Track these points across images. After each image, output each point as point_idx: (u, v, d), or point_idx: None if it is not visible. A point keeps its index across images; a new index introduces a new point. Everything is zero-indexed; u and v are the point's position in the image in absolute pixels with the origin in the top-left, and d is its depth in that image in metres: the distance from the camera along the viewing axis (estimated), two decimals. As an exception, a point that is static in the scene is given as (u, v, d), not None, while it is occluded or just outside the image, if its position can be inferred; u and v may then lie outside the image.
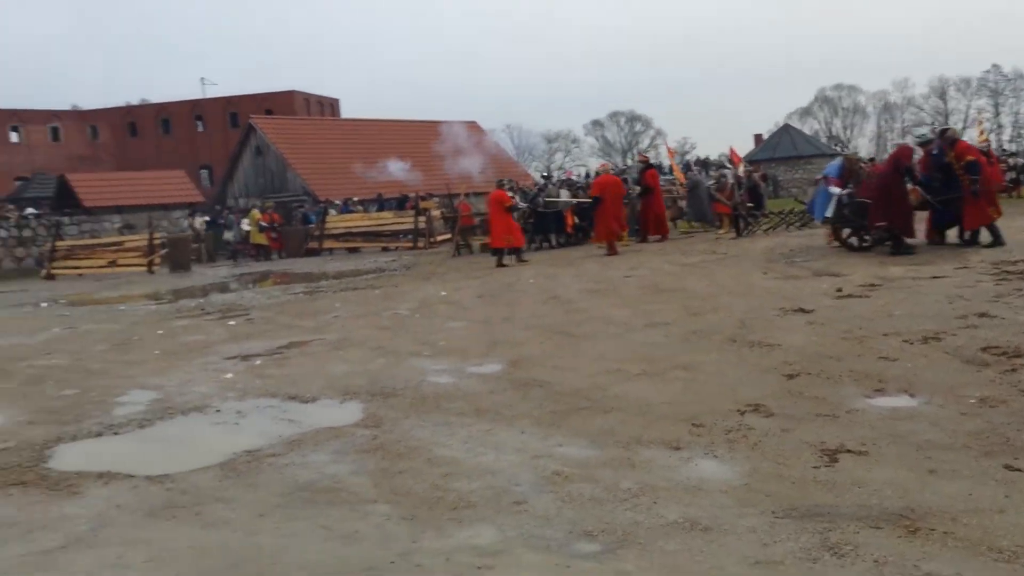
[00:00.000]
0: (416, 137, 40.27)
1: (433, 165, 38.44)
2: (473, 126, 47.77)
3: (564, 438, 4.62)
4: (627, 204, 19.16)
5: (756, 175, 22.47)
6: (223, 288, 16.87)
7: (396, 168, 34.72)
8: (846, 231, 13.22)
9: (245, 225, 26.64)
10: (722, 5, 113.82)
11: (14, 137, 54.65)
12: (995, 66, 75.83)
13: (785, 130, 53.74)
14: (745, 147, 49.28)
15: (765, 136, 58.05)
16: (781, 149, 47.64)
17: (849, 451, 4.05)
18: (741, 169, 21.62)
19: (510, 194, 17.75)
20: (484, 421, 5.10)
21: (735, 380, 5.60)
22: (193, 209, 29.10)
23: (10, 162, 53.50)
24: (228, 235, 27.29)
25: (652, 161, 20.97)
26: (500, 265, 15.66)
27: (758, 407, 4.92)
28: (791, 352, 6.26)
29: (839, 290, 9.01)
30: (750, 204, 20.07)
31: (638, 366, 6.25)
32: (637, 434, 4.57)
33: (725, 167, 23.30)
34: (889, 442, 4.14)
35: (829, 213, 13.20)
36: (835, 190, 13.15)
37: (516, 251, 16.42)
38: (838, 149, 51.86)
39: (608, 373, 6.10)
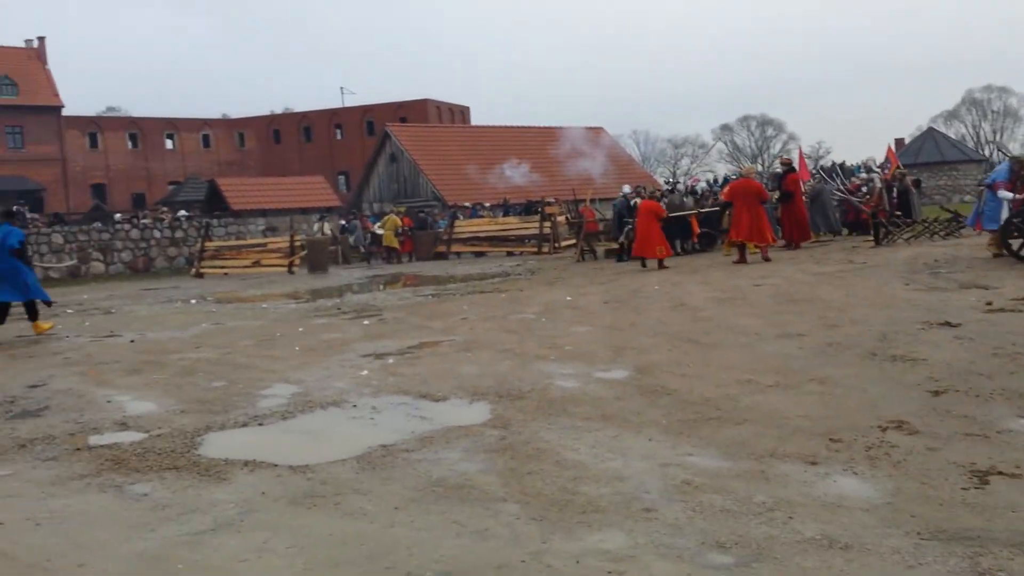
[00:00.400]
0: (542, 143, 40.56)
1: (558, 170, 38.62)
2: (599, 131, 47.68)
3: (694, 447, 4.56)
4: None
5: (908, 180, 21.32)
6: (358, 289, 17.50)
7: (521, 173, 35.10)
8: (1018, 241, 12.13)
9: (377, 229, 27.54)
10: (860, 4, 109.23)
11: (169, 144, 58.60)
12: None
13: (929, 134, 51.00)
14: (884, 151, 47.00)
15: (907, 141, 55.26)
16: (924, 154, 45.22)
17: (1001, 473, 3.82)
18: (894, 172, 20.67)
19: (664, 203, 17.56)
20: (611, 427, 5.09)
21: (876, 395, 5.37)
22: (322, 214, 30.32)
23: (165, 167, 57.43)
24: (351, 239, 28.31)
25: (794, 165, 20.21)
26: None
27: (901, 424, 4.70)
28: (936, 368, 5.95)
29: (989, 304, 8.49)
30: (898, 212, 19.19)
31: (771, 377, 6.09)
32: (771, 447, 4.46)
33: (873, 171, 22.20)
34: (1047, 466, 3.88)
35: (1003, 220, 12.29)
36: (1006, 195, 12.28)
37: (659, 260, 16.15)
38: (1003, 152, 48.37)
39: (739, 383, 5.97)
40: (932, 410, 4.95)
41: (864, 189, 20.67)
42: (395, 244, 26.75)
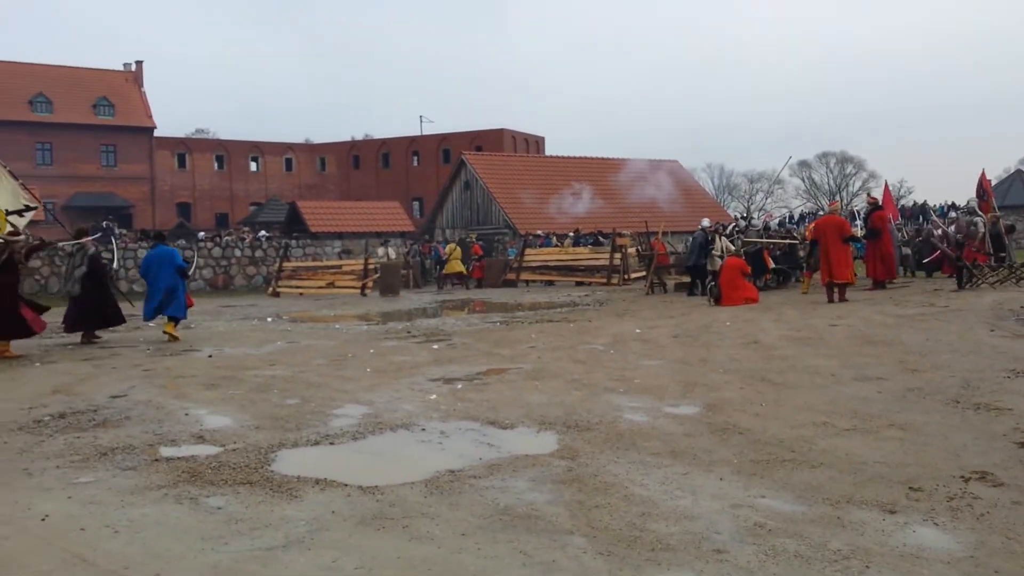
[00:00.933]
0: (615, 174, 40.54)
1: (629, 202, 38.50)
2: (674, 165, 47.44)
3: (766, 489, 4.46)
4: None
5: (1002, 223, 20.65)
6: (426, 313, 17.70)
7: (593, 204, 35.10)
8: None
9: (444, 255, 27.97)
10: (945, 42, 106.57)
11: (253, 166, 60.54)
12: None
13: (1017, 176, 49.27)
14: (969, 192, 45.56)
15: (994, 182, 53.47)
16: (1012, 196, 43.67)
17: (1095, 534, 3.64)
18: (988, 213, 20.01)
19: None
20: (681, 464, 5.02)
21: (958, 444, 5.18)
22: (386, 238, 30.89)
23: (248, 188, 59.31)
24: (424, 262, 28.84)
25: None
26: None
27: (985, 475, 4.52)
28: (1023, 418, 5.72)
29: (1082, 354, 8.12)
30: (1002, 255, 18.65)
31: (847, 421, 5.92)
32: (847, 493, 4.33)
33: (977, 214, 21.49)
34: None
35: None
36: None
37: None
38: None
39: (814, 425, 5.83)
40: (1018, 462, 4.75)
41: (966, 232, 19.99)
42: (461, 269, 27.09)
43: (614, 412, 6.53)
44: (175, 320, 12.88)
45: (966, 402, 6.33)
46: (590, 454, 5.29)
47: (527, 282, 26.78)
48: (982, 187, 20.62)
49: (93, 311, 12.59)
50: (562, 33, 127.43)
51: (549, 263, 26.96)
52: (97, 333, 12.79)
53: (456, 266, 27.15)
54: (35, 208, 14.38)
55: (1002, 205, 41.86)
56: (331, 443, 5.91)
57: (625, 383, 7.80)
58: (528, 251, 27.79)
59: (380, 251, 28.51)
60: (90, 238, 13.23)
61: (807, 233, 17.70)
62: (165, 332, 12.69)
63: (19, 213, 13.40)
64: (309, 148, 63.35)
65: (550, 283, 26.25)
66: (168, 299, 12.76)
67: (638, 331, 12.04)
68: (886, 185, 25.01)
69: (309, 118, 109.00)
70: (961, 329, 10.51)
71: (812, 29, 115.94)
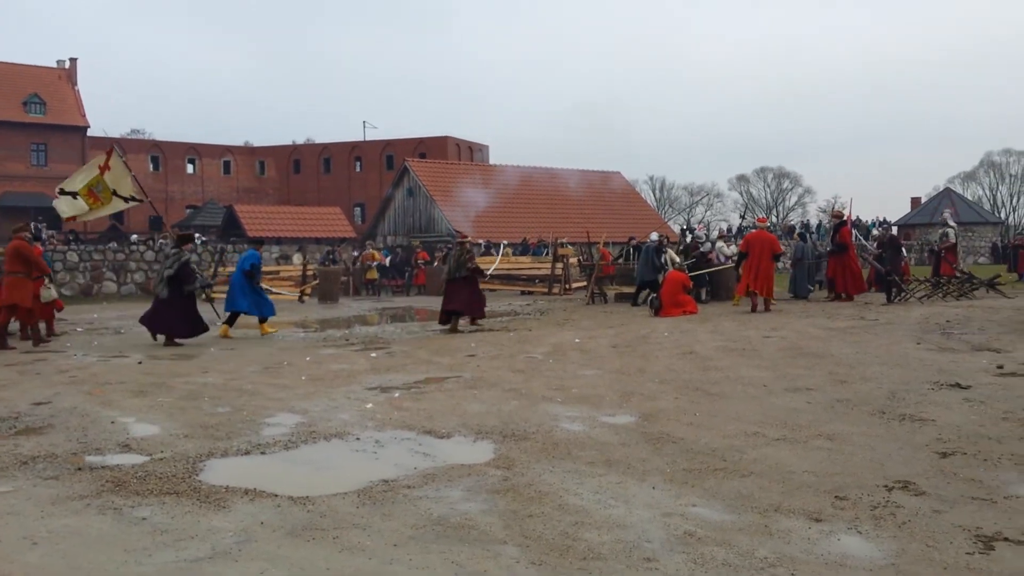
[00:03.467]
0: (559, 184, 40.82)
1: (572, 212, 38.81)
2: (616, 176, 47.99)
3: (697, 498, 4.51)
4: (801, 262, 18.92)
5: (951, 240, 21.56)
6: (365, 321, 17.53)
7: (536, 213, 35.27)
8: None
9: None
10: (882, 65, 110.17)
11: (190, 169, 59.29)
12: None
13: (946, 194, 51.16)
14: (901, 210, 47.10)
15: (923, 200, 55.31)
16: (940, 214, 45.29)
17: (1007, 539, 3.77)
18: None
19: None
20: (615, 473, 5.05)
21: (883, 454, 5.32)
22: (300, 244, 30.62)
23: (184, 191, 58.07)
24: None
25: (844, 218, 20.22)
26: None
27: (907, 484, 4.66)
28: (945, 429, 5.90)
29: (1000, 367, 8.43)
30: (964, 271, 19.49)
31: (778, 431, 6.04)
32: (776, 501, 4.41)
33: (949, 224, 22.24)
34: (1055, 535, 3.82)
35: None
36: None
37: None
38: None
39: (745, 435, 5.93)
40: (939, 472, 4.90)
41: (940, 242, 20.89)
42: (373, 277, 27.29)
43: (551, 421, 6.55)
44: (263, 319, 14.09)
45: (891, 413, 6.51)
46: (526, 463, 5.30)
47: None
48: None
49: (179, 320, 12.86)
50: (508, 43, 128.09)
51: (491, 272, 26.97)
52: (178, 340, 12.82)
53: (371, 273, 27.21)
54: (141, 200, 15.97)
55: (932, 222, 43.43)
56: (262, 452, 5.80)
57: (563, 392, 7.84)
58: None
59: (296, 258, 28.23)
60: (190, 245, 14.21)
61: (739, 247, 18.09)
62: (263, 333, 13.91)
63: (125, 199, 14.94)
64: (248, 151, 62.34)
65: (491, 291, 26.27)
66: (233, 296, 13.98)
67: (577, 341, 12.11)
68: (850, 202, 25.71)
69: (249, 121, 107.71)
70: (889, 342, 10.81)
71: (753, 50, 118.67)
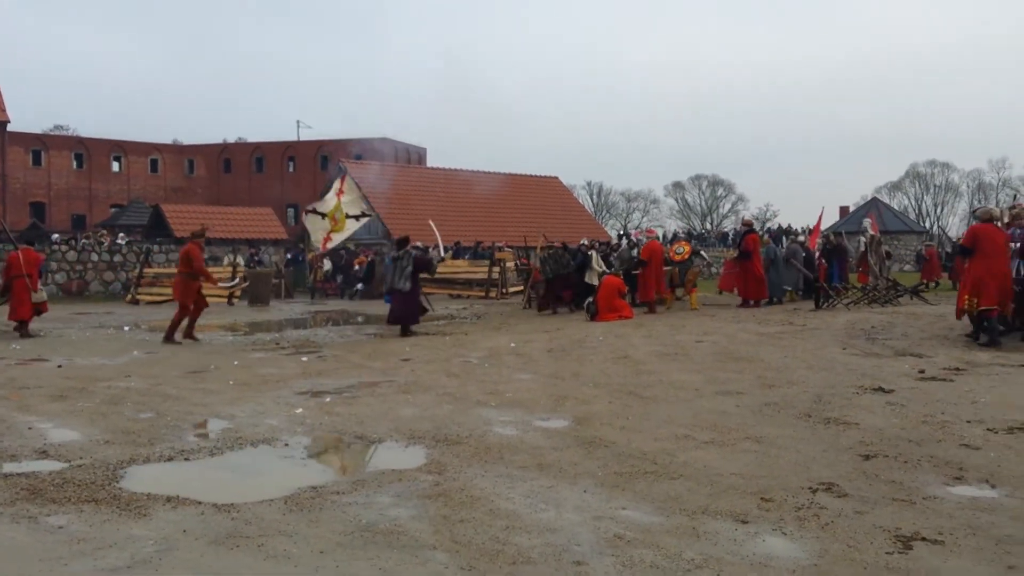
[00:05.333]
0: (496, 188, 40.83)
1: (511, 217, 38.89)
2: (554, 181, 48.26)
3: (628, 501, 4.54)
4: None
5: (884, 248, 22.13)
6: (298, 324, 17.26)
7: (472, 217, 35.24)
8: None
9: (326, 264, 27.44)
10: (813, 76, 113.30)
11: (115, 167, 57.58)
12: (1097, 151, 73.39)
13: (873, 204, 52.76)
14: (830, 218, 48.46)
15: (852, 208, 56.98)
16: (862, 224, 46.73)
17: (924, 539, 3.88)
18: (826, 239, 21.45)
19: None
20: (547, 477, 5.05)
21: (808, 457, 5.44)
22: (234, 246, 30.07)
23: (109, 190, 56.39)
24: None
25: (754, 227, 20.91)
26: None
27: (831, 486, 4.76)
28: (868, 432, 6.06)
29: (922, 372, 8.71)
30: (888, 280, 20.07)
31: (707, 434, 6.13)
32: (703, 503, 4.46)
33: (868, 234, 22.96)
34: (967, 533, 3.95)
35: None
36: None
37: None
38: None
39: (676, 438, 6.00)
40: (862, 474, 5.02)
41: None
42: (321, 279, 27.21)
43: (484, 426, 6.53)
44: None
45: (817, 416, 6.66)
46: (458, 468, 5.26)
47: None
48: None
49: (415, 309, 14.72)
50: (445, 45, 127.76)
51: (427, 276, 26.83)
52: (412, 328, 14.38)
53: (319, 274, 26.94)
54: (370, 216, 17.44)
55: (858, 231, 44.72)
56: (186, 459, 5.65)
57: (497, 397, 7.82)
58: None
59: (226, 260, 27.69)
60: (409, 244, 15.18)
61: (642, 254, 18.53)
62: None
63: (356, 218, 16.53)
64: (177, 149, 60.83)
65: (428, 295, 26.13)
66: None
67: (513, 345, 12.11)
68: (821, 211, 26.41)
69: (178, 118, 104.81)
70: (816, 347, 11.09)
71: (687, 61, 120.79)
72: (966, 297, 11.10)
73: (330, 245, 17.44)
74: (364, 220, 17.17)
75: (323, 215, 16.29)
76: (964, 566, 3.55)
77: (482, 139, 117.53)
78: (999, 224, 11.78)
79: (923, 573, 3.49)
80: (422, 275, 15.32)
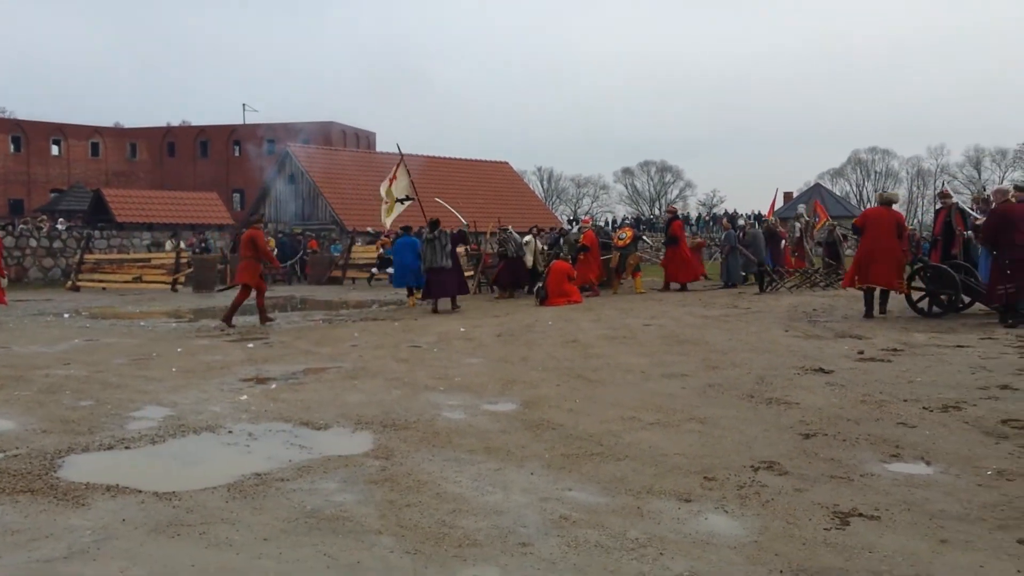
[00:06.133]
0: (447, 173, 40.62)
1: (462, 202, 38.70)
2: (504, 166, 48.21)
3: (574, 482, 4.58)
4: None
5: (838, 232, 22.58)
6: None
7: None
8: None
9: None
10: (760, 65, 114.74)
11: (55, 150, 55.90)
12: (1032, 138, 75.81)
13: (816, 189, 53.79)
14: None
15: (795, 194, 57.96)
16: (810, 208, 47.57)
17: (861, 515, 3.98)
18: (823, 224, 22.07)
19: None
20: (494, 460, 5.07)
21: (750, 436, 5.54)
22: (174, 231, 29.55)
23: (48, 174, 54.74)
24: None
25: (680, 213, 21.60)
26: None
27: (772, 465, 4.86)
28: (808, 412, 6.19)
29: (860, 353, 8.93)
30: (831, 261, 20.46)
31: (653, 415, 6.20)
32: (648, 484, 4.52)
33: (803, 219, 23.47)
34: (902, 509, 4.06)
35: None
36: None
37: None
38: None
39: (622, 420, 6.06)
40: (802, 452, 5.13)
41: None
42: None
43: (432, 410, 6.51)
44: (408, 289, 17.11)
45: (759, 397, 6.78)
46: (405, 453, 5.24)
47: (353, 279, 26.31)
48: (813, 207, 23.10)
49: (460, 283, 16.44)
50: (395, 30, 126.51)
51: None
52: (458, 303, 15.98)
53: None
54: (412, 200, 17.57)
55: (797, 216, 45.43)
56: (126, 447, 5.53)
57: (446, 381, 7.81)
58: (356, 248, 27.33)
59: (168, 244, 27.18)
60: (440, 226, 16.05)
61: (583, 240, 18.86)
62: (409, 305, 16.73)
63: (401, 201, 17.34)
64: (119, 133, 59.26)
65: (379, 281, 25.94)
66: (415, 276, 16.49)
67: (463, 330, 12.10)
68: (776, 194, 26.87)
69: (119, 101, 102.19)
70: (759, 329, 11.29)
71: (637, 50, 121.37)
72: (852, 274, 12.56)
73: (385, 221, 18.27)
74: (407, 204, 17.65)
75: (384, 201, 17.45)
76: (899, 541, 3.65)
77: (432, 124, 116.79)
78: (895, 207, 12.91)
79: (859, 548, 3.58)
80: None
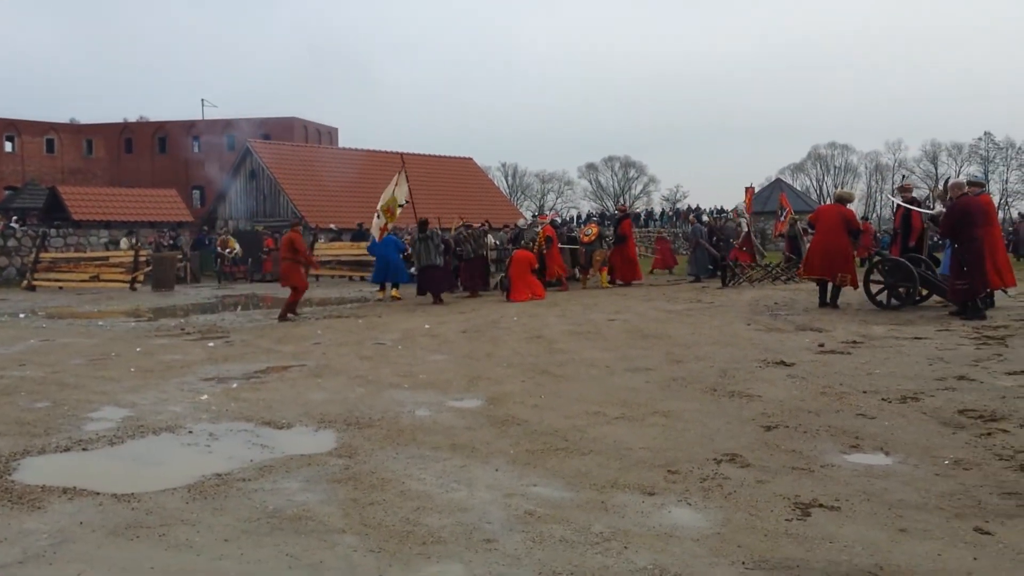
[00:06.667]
0: (410, 169, 40.33)
1: (426, 198, 38.55)
2: (468, 162, 48.10)
3: (539, 478, 4.58)
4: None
5: (799, 226, 22.80)
6: (205, 309, 16.78)
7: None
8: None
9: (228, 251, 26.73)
10: (722, 62, 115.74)
11: (8, 147, 54.63)
12: (987, 134, 77.50)
13: (777, 184, 54.36)
14: (736, 198, 49.79)
15: (757, 189, 58.53)
16: (771, 203, 48.12)
17: (822, 506, 4.03)
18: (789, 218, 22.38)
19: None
20: (459, 456, 5.05)
21: (713, 429, 5.59)
22: (130, 228, 29.12)
23: (1, 171, 53.45)
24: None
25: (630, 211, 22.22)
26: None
27: (734, 457, 4.90)
28: (770, 404, 6.26)
29: (821, 345, 9.05)
30: (791, 255, 20.74)
31: (617, 410, 6.23)
32: (612, 478, 4.54)
33: (743, 216, 23.83)
34: (862, 499, 4.12)
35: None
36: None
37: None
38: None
39: (587, 415, 6.08)
40: (764, 444, 5.19)
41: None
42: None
43: (397, 408, 6.48)
44: (391, 286, 17.95)
45: (722, 390, 6.84)
46: (369, 451, 5.21)
47: (317, 277, 26.08)
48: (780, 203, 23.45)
49: (449, 279, 17.52)
50: (358, 25, 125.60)
51: (341, 258, 26.43)
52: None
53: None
54: (405, 204, 18.16)
55: (763, 211, 46.05)
56: (84, 449, 5.43)
57: (410, 379, 7.77)
58: (319, 245, 27.08)
59: (124, 242, 26.74)
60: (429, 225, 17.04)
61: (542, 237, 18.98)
62: (393, 297, 17.57)
63: (401, 206, 17.93)
64: (75, 129, 58.06)
65: (343, 278, 25.76)
66: (394, 271, 17.73)
67: (427, 327, 12.06)
68: (752, 189, 27.09)
69: (75, 96, 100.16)
70: (722, 323, 11.40)
71: (597, 47, 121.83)
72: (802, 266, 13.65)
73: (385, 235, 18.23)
74: (400, 210, 18.27)
75: (378, 213, 17.96)
76: (859, 531, 3.71)
77: (395, 120, 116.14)
78: (851, 205, 13.78)
79: (820, 539, 3.62)
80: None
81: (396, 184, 18.08)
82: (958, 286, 11.10)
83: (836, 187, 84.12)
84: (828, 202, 71.53)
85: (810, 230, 16.10)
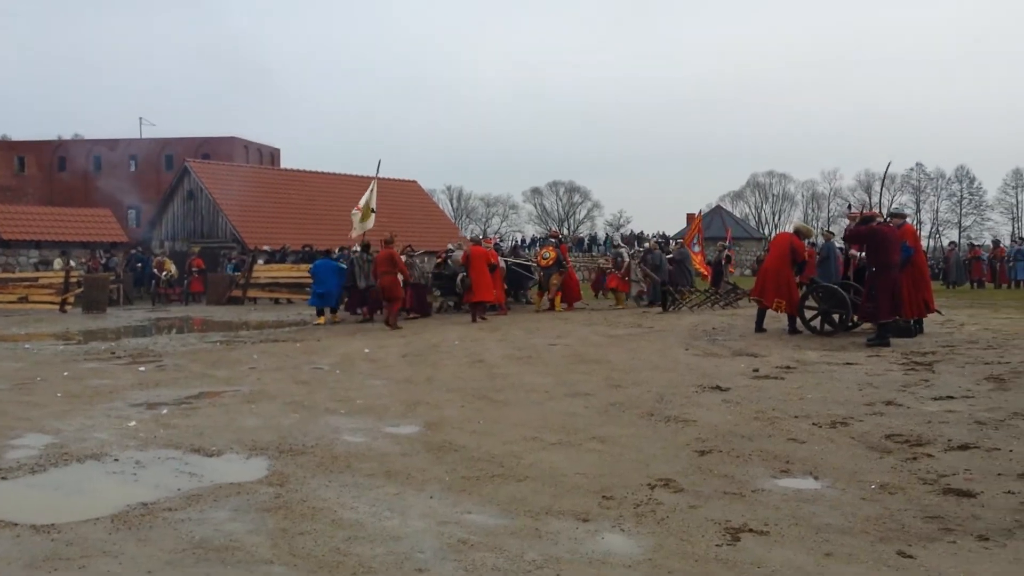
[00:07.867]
0: (354, 192, 40.04)
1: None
2: (413, 185, 47.97)
3: (473, 505, 4.55)
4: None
5: (724, 254, 23.79)
6: (137, 331, 16.37)
7: (327, 220, 34.51)
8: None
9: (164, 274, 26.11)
10: (662, 93, 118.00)
11: (-67, 162, 52.73)
12: (919, 164, 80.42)
13: (717, 211, 55.50)
14: (677, 224, 50.62)
15: (697, 214, 59.56)
16: (712, 230, 49.07)
17: (752, 530, 4.08)
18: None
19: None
20: (394, 484, 4.99)
21: (649, 454, 5.63)
22: (63, 249, 28.43)
23: (-75, 188, 51.55)
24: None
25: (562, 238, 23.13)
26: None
27: (668, 482, 4.94)
28: (705, 429, 6.34)
29: (756, 370, 9.21)
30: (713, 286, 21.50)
31: (555, 435, 6.23)
32: (547, 504, 4.53)
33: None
34: (791, 523, 4.19)
35: None
36: None
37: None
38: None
39: (525, 440, 6.07)
40: (697, 469, 5.24)
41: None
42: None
43: (332, 434, 6.38)
44: (329, 310, 17.86)
45: (659, 415, 6.91)
46: (301, 479, 5.11)
47: (255, 299, 25.65)
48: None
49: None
50: (300, 45, 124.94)
51: (280, 280, 26.04)
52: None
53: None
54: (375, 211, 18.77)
55: (704, 237, 46.82)
56: (3, 478, 5.23)
57: (347, 404, 7.67)
58: (257, 267, 26.65)
59: (57, 263, 26.01)
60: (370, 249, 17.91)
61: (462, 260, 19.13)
62: (318, 323, 17.23)
63: (373, 211, 18.48)
64: (6, 146, 56.41)
65: (280, 301, 25.36)
66: (334, 298, 17.76)
67: (367, 351, 11.94)
68: (699, 216, 27.53)
69: (6, 112, 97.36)
70: (662, 348, 11.53)
71: (540, 74, 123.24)
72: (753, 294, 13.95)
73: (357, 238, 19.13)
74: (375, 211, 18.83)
75: (358, 215, 18.47)
76: (787, 555, 3.76)
77: (339, 142, 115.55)
78: (809, 241, 14.84)
79: (749, 564, 3.66)
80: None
81: (372, 190, 18.69)
82: (866, 306, 11.59)
83: (774, 215, 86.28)
84: (770, 230, 73.08)
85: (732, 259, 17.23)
